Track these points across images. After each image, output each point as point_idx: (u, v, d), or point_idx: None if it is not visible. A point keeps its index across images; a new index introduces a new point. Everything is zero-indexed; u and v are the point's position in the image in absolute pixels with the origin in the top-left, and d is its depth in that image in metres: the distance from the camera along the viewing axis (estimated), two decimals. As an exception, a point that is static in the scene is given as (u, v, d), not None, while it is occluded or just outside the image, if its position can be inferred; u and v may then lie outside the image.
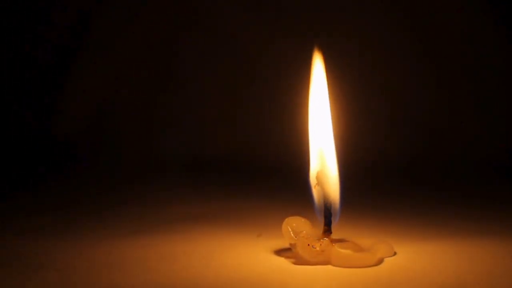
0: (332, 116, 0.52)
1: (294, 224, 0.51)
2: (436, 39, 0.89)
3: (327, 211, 0.51)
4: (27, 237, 0.56)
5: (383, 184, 0.78)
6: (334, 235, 0.50)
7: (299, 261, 0.49)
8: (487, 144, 0.86)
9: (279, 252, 0.51)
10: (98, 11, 0.93)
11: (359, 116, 0.87)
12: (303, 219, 0.51)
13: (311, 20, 0.90)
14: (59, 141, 0.90)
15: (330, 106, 0.52)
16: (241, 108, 0.91)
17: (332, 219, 0.51)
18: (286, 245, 0.51)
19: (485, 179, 0.79)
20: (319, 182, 0.51)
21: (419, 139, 0.88)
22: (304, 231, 0.49)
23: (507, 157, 0.83)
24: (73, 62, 0.92)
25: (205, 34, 0.92)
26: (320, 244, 0.48)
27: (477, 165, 0.83)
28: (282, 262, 0.49)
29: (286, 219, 0.51)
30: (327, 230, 0.50)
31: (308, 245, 0.48)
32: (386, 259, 0.49)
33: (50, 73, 0.92)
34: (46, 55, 0.91)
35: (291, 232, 0.50)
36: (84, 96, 0.92)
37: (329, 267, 0.48)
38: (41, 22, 0.91)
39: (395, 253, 0.50)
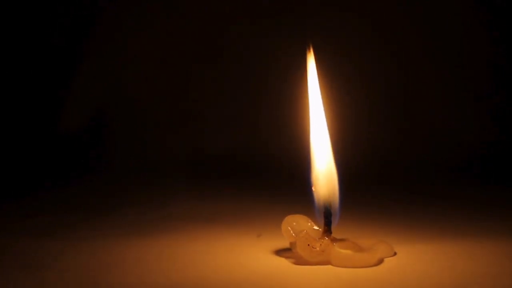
0: (328, 116, 0.52)
1: (294, 223, 0.51)
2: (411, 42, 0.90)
3: (327, 212, 0.51)
4: (27, 237, 0.56)
5: (383, 184, 0.78)
6: (334, 235, 0.50)
7: (299, 261, 0.49)
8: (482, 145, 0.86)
9: (279, 252, 0.51)
10: (105, 9, 0.93)
11: (358, 116, 0.87)
12: (303, 216, 0.51)
13: (309, 21, 0.90)
14: (59, 141, 0.89)
15: (325, 106, 0.52)
16: (240, 108, 0.91)
17: (332, 219, 0.51)
18: (286, 245, 0.51)
19: (485, 179, 0.79)
20: (319, 183, 0.51)
21: (420, 139, 0.88)
22: (305, 231, 0.49)
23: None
24: (78, 60, 0.92)
25: (207, 36, 0.92)
26: (320, 244, 0.48)
27: (477, 166, 0.83)
28: (282, 262, 0.49)
29: (286, 218, 0.51)
30: (327, 230, 0.50)
31: (308, 245, 0.48)
32: (386, 259, 0.49)
33: (55, 71, 0.92)
34: (52, 51, 0.91)
35: (291, 231, 0.50)
36: (85, 96, 0.92)
37: (329, 267, 0.48)
38: (46, 20, 0.91)
39: (395, 253, 0.50)
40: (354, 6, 0.90)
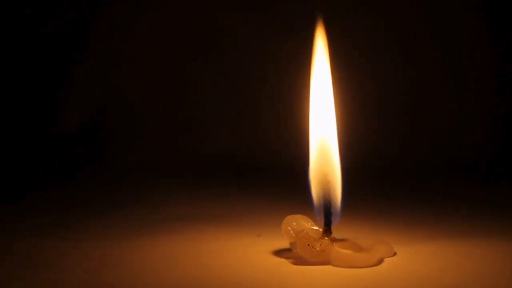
0: (335, 115, 0.52)
1: (294, 223, 0.51)
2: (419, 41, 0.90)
3: (327, 211, 0.51)
4: (27, 237, 0.56)
5: (383, 183, 0.78)
6: (334, 235, 0.50)
7: (299, 261, 0.49)
8: (482, 145, 0.86)
9: (279, 252, 0.51)
10: (104, 9, 0.93)
11: (358, 115, 0.87)
12: (303, 216, 0.51)
13: (314, 19, 0.90)
14: (59, 140, 0.90)
15: (333, 104, 0.52)
16: (241, 108, 0.91)
17: (332, 219, 0.51)
18: (286, 245, 0.51)
19: (484, 179, 0.79)
20: (319, 182, 0.51)
21: (420, 140, 0.88)
22: (305, 231, 0.49)
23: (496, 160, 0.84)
24: (77, 59, 0.92)
25: (207, 35, 0.92)
26: (320, 244, 0.48)
27: (476, 166, 0.83)
28: (282, 262, 0.49)
29: (286, 218, 0.51)
30: (327, 230, 0.50)
31: (308, 245, 0.48)
32: (386, 259, 0.49)
33: (53, 70, 0.92)
34: (50, 50, 0.91)
35: (291, 231, 0.50)
36: (85, 96, 0.92)
37: (329, 267, 0.48)
38: (46, 19, 0.91)
39: (395, 253, 0.50)
40: (365, 3, 0.91)
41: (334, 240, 0.49)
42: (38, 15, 0.91)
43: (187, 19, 0.93)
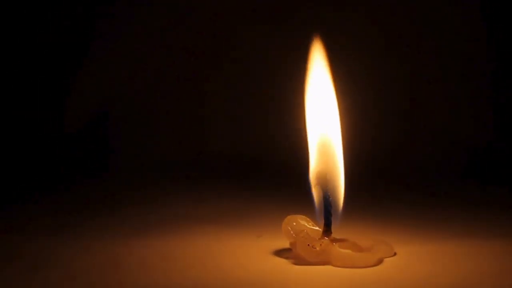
0: (337, 112, 0.53)
1: (294, 223, 0.51)
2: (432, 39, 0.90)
3: (327, 212, 0.51)
4: (27, 237, 0.56)
5: (383, 184, 0.78)
6: (334, 235, 0.50)
7: (299, 261, 0.49)
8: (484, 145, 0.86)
9: (279, 252, 0.51)
10: (106, 10, 0.93)
11: (359, 114, 0.87)
12: (303, 217, 0.51)
13: (312, 17, 0.90)
14: (62, 141, 0.90)
15: (333, 101, 0.53)
16: (241, 107, 0.91)
17: (333, 219, 0.51)
18: (286, 245, 0.51)
19: (484, 180, 0.79)
20: (319, 182, 0.51)
21: (420, 139, 0.88)
22: (305, 231, 0.49)
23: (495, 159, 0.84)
24: (79, 61, 0.92)
25: (206, 34, 0.92)
26: (320, 244, 0.48)
27: (478, 166, 0.83)
28: (282, 262, 0.49)
29: (286, 218, 0.51)
30: (327, 230, 0.50)
31: (308, 245, 0.48)
32: (386, 259, 0.49)
33: (57, 71, 0.92)
34: (55, 50, 0.91)
35: (291, 231, 0.50)
36: (86, 96, 0.92)
37: (329, 267, 0.48)
38: (47, 20, 0.91)
39: (395, 254, 0.50)
40: (360, 6, 0.91)
41: (334, 240, 0.49)
42: (43, 16, 0.91)
43: (190, 19, 0.93)
